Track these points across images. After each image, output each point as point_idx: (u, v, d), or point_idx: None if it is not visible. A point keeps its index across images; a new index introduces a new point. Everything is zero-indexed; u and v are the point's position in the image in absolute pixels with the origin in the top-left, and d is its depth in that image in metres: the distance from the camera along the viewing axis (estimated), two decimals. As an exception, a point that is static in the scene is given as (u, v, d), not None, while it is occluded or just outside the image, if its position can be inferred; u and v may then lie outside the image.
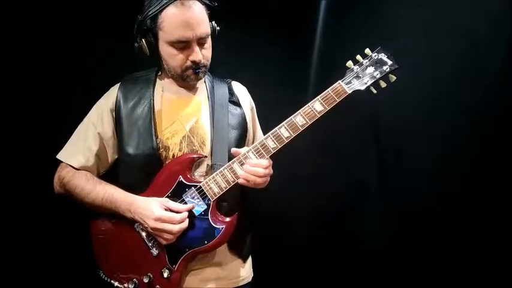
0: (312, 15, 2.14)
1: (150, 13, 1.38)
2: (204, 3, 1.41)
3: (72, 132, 1.52)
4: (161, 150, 1.44)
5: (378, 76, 1.36)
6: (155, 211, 1.35)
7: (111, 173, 1.52)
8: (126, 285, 1.41)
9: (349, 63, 1.38)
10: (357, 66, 1.37)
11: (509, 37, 1.76)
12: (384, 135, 2.04)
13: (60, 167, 1.50)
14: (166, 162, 1.44)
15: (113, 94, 1.51)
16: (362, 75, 1.37)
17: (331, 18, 2.12)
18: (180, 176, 1.41)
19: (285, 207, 2.12)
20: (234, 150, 1.41)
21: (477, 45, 1.80)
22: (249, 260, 1.61)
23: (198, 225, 1.40)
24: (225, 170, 1.40)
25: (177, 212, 1.37)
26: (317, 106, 1.36)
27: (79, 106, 1.54)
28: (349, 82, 1.36)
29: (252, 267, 1.62)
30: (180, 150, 1.46)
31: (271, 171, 1.44)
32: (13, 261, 1.80)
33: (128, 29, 1.47)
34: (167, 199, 1.40)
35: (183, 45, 1.40)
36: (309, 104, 1.36)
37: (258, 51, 2.04)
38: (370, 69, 1.36)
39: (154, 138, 1.43)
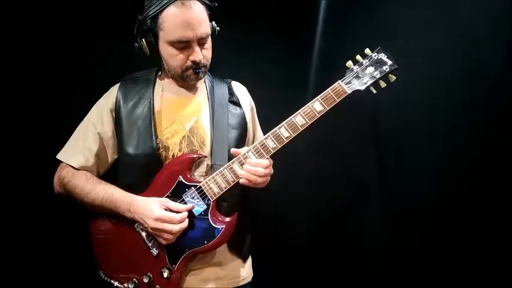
0: (312, 15, 2.14)
1: (150, 13, 1.38)
2: (204, 4, 1.42)
3: (72, 132, 1.52)
4: (161, 150, 1.44)
5: (378, 76, 1.36)
6: (155, 211, 1.35)
7: (111, 173, 1.52)
8: (126, 285, 1.41)
9: (349, 63, 1.38)
10: (357, 66, 1.37)
11: (509, 37, 1.76)
12: (384, 135, 2.04)
13: (60, 167, 1.50)
14: (166, 162, 1.44)
15: (112, 94, 1.51)
16: (362, 75, 1.37)
17: (331, 18, 2.12)
18: (180, 176, 1.41)
19: (285, 207, 2.12)
20: (233, 150, 1.41)
21: (477, 45, 1.80)
22: (249, 260, 1.61)
23: (198, 225, 1.40)
24: (225, 170, 1.40)
25: (177, 212, 1.37)
26: (317, 106, 1.36)
27: (79, 106, 1.54)
28: (349, 82, 1.36)
29: (252, 267, 1.62)
30: (180, 150, 1.46)
31: (272, 171, 1.44)
32: (13, 261, 1.80)
33: (128, 29, 1.47)
34: (167, 199, 1.40)
35: (184, 45, 1.40)
36: (308, 104, 1.36)
37: (258, 51, 2.04)
38: (370, 69, 1.36)
39: (154, 138, 1.43)
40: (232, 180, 1.39)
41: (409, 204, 1.95)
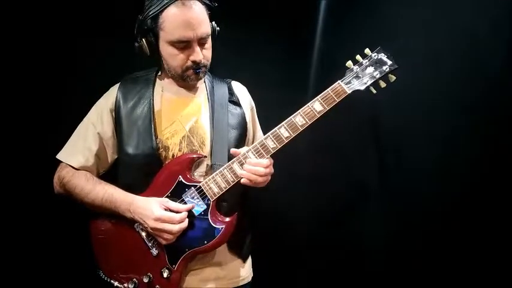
0: (312, 15, 2.14)
1: (151, 13, 1.39)
2: (204, 4, 1.42)
3: (72, 132, 1.52)
4: (161, 150, 1.44)
5: (378, 76, 1.36)
6: (155, 211, 1.35)
7: (111, 173, 1.52)
8: (126, 285, 1.41)
9: (349, 63, 1.38)
10: (357, 66, 1.37)
11: (509, 37, 1.76)
12: (384, 135, 2.04)
13: (60, 167, 1.50)
14: (166, 162, 1.44)
15: (112, 94, 1.51)
16: (362, 75, 1.37)
17: (331, 18, 2.12)
18: (180, 176, 1.41)
19: (285, 207, 2.13)
20: (233, 150, 1.41)
21: (477, 45, 1.80)
22: (249, 260, 1.61)
23: (197, 225, 1.40)
24: (225, 170, 1.40)
25: (177, 212, 1.37)
26: (317, 106, 1.36)
27: (79, 106, 1.54)
28: (349, 82, 1.36)
29: (252, 267, 1.62)
30: (179, 150, 1.46)
31: (272, 170, 1.44)
32: (13, 261, 1.80)
33: (128, 29, 1.47)
34: (167, 199, 1.40)
35: (184, 45, 1.40)
36: (308, 104, 1.36)
37: (258, 51, 2.04)
38: (370, 69, 1.36)
39: (154, 138, 1.43)
40: (232, 180, 1.39)
41: (409, 204, 1.95)
